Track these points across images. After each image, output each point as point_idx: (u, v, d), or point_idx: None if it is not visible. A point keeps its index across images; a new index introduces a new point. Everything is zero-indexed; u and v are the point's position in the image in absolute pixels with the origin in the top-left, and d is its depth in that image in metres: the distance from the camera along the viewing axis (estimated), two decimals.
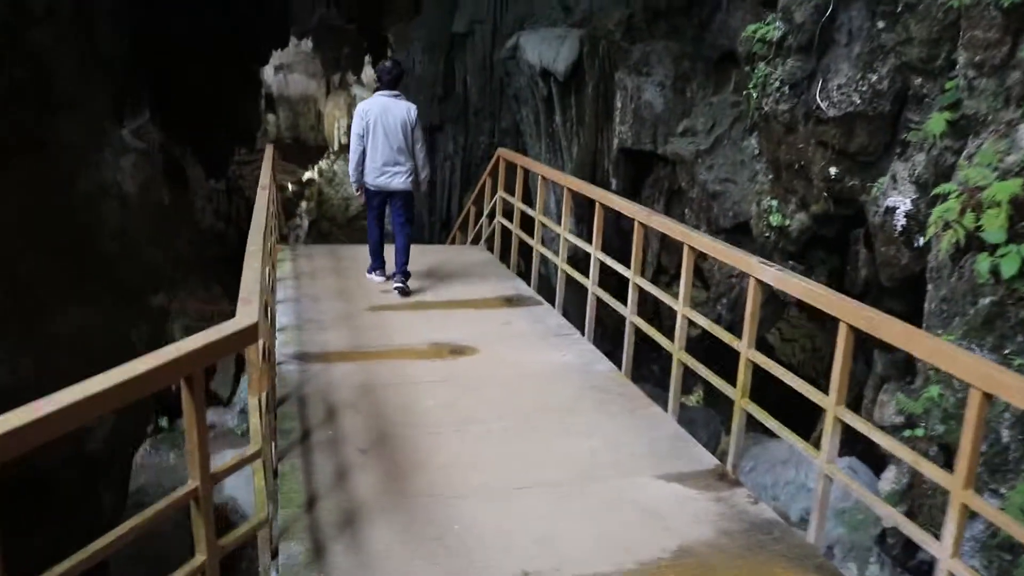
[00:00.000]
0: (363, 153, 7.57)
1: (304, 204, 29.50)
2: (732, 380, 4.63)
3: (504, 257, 9.13)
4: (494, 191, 9.46)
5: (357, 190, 7.96)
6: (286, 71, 31.38)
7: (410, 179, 7.68)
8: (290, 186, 29.86)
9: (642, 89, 12.34)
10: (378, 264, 8.21)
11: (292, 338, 6.43)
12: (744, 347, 4.47)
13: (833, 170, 6.40)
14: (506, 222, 8.95)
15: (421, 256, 8.77)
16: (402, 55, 15.95)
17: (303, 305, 7.24)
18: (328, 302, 7.36)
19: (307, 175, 30.95)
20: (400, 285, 7.78)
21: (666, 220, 5.84)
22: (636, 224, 5.93)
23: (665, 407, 5.41)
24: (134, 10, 16.07)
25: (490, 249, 9.54)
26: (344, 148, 31.36)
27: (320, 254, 9.15)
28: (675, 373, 5.31)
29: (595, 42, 12.80)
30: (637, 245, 5.93)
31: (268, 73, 31.08)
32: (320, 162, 31.25)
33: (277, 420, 4.99)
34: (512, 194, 8.74)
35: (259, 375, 3.78)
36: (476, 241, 10.13)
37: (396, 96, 7.64)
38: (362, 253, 8.58)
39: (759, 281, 4.39)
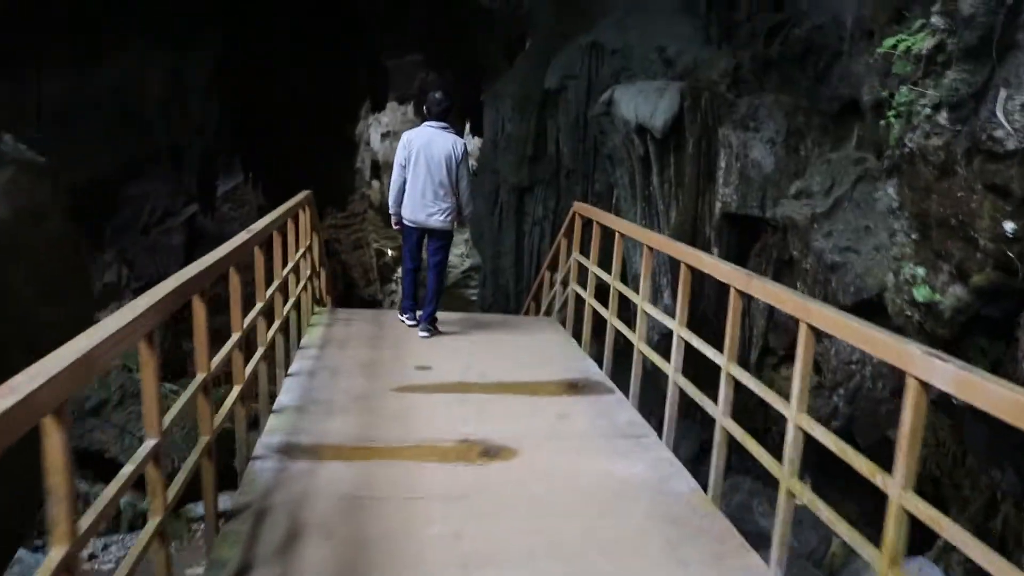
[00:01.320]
0: (403, 184, 7.01)
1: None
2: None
3: (580, 332, 7.46)
4: (569, 253, 7.88)
5: (395, 224, 7.35)
6: (392, 138, 30.93)
7: (450, 217, 7.07)
8: (390, 251, 29.10)
9: (749, 146, 10.65)
10: (410, 305, 7.53)
11: (285, 424, 4.94)
12: (898, 486, 2.72)
13: (1009, 226, 4.55)
14: (580, 290, 7.33)
15: (478, 326, 7.28)
16: (492, 114, 14.73)
17: (316, 380, 5.76)
18: (348, 378, 5.86)
19: None
20: (425, 334, 7.09)
21: (773, 286, 4.11)
22: (732, 292, 4.25)
23: (766, 554, 3.62)
24: (227, 77, 15.44)
25: (564, 322, 7.90)
26: None
27: (362, 319, 7.76)
28: (783, 506, 3.53)
29: (697, 95, 11.22)
30: (733, 321, 4.23)
31: (375, 139, 30.73)
32: None
33: (216, 541, 3.49)
34: (589, 256, 7.15)
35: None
36: (549, 312, 8.52)
37: (444, 128, 7.02)
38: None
39: (923, 383, 2.66)
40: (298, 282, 6.46)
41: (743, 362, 6.59)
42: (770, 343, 9.79)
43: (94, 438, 11.29)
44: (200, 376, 3.65)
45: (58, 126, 14.43)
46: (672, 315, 5.06)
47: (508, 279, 14.52)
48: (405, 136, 7.13)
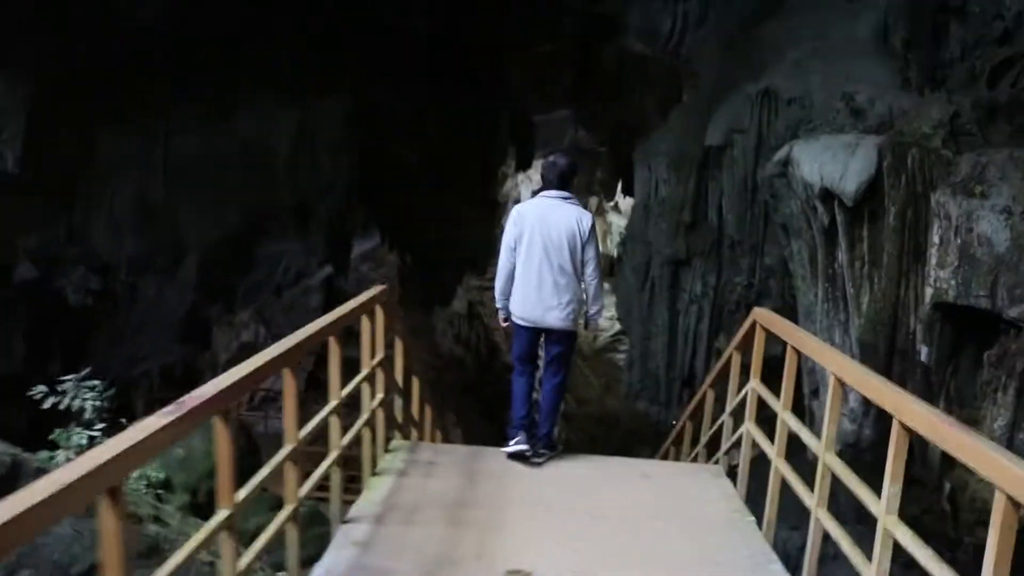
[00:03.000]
0: (512, 271, 5.35)
1: None
2: None
3: (759, 496, 4.54)
4: (744, 375, 5.37)
5: (502, 320, 5.62)
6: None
7: (572, 313, 5.28)
8: None
9: (974, 217, 8.12)
10: (521, 422, 5.44)
11: None
12: None
13: None
14: (760, 436, 4.76)
15: (609, 482, 5.09)
16: (644, 173, 12.60)
17: None
18: None
19: None
20: (540, 460, 5.36)
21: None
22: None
23: None
24: (357, 131, 14.13)
25: (732, 476, 5.36)
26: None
27: (451, 463, 5.40)
28: None
29: (901, 152, 8.76)
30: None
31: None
32: None
33: None
34: (774, 388, 4.62)
35: None
36: (713, 449, 5.94)
37: (564, 199, 5.28)
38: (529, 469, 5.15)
39: None
40: (357, 414, 4.52)
41: None
42: None
43: None
44: None
45: (185, 181, 13.50)
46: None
47: (659, 364, 12.24)
48: (516, 210, 5.42)
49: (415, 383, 5.94)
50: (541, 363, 5.63)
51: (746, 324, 5.22)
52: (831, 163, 9.06)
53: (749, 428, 4.86)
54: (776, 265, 10.95)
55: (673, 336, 12.12)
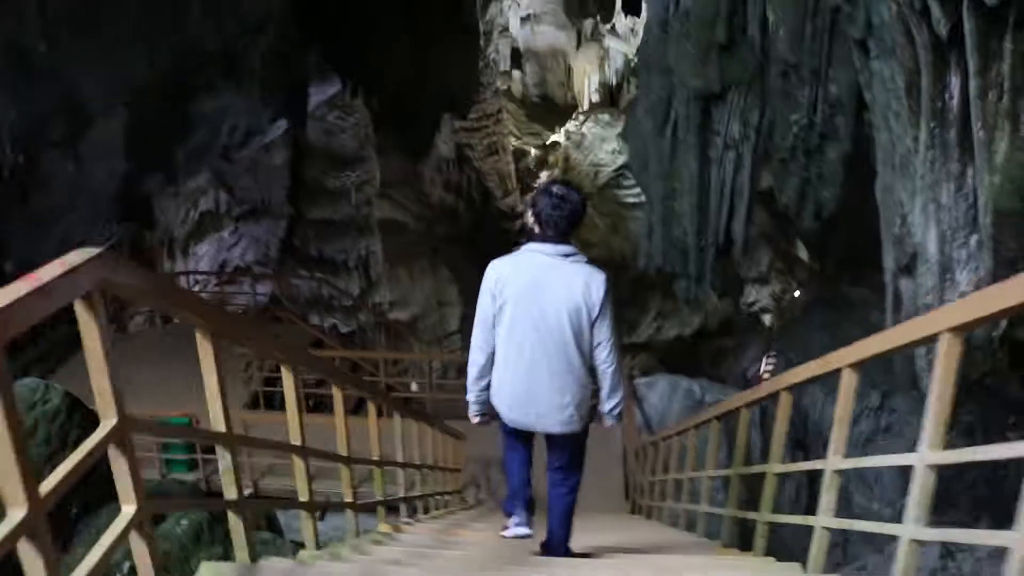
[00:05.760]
0: (490, 354, 3.42)
1: (545, 174, 23.59)
2: None
3: None
4: None
5: (473, 415, 3.60)
6: (533, 21, 25.35)
7: (577, 415, 3.38)
8: (533, 151, 24.17)
9: None
10: (519, 496, 3.70)
11: None
12: None
13: None
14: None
15: None
16: None
17: None
18: None
19: (553, 138, 25.07)
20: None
21: None
22: None
23: None
24: None
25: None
26: (595, 107, 25.00)
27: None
28: None
29: None
30: None
31: (514, 24, 25.29)
32: (568, 124, 25.17)
33: None
34: None
35: None
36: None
37: (566, 257, 3.29)
38: None
39: None
40: None
41: None
42: None
43: None
44: None
45: (73, 27, 10.10)
46: None
47: (687, 230, 9.30)
48: (492, 270, 3.42)
49: None
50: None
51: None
52: None
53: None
54: (847, 97, 7.84)
55: (704, 193, 9.13)
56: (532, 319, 3.32)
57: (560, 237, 3.33)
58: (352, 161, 17.16)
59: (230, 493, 2.44)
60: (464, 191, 21.50)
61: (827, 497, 2.96)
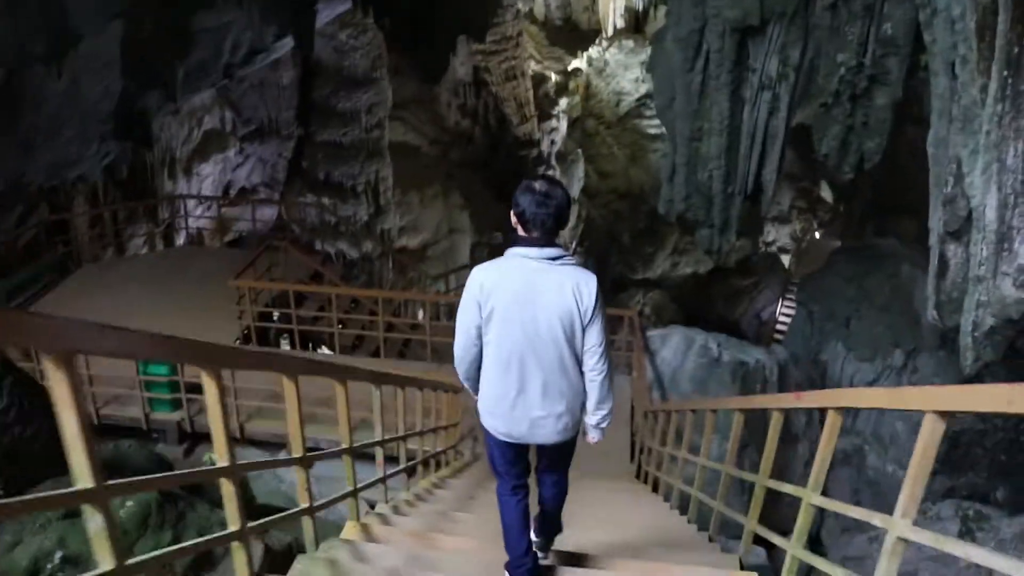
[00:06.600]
0: (477, 358, 3.21)
1: (565, 101, 22.50)
2: None
3: None
4: None
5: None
6: None
7: (570, 424, 3.22)
8: (553, 76, 23.02)
9: None
10: (522, 566, 3.36)
11: None
12: None
13: None
14: None
15: None
16: None
17: None
18: None
19: (574, 63, 23.88)
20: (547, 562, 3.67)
21: None
22: None
23: None
24: None
25: None
26: (620, 33, 23.71)
27: None
28: None
29: None
30: None
31: None
32: (590, 49, 23.95)
33: None
34: None
35: None
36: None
37: (554, 260, 3.03)
38: None
39: None
40: None
41: None
42: None
43: None
44: None
45: None
46: None
47: (713, 176, 8.50)
48: (476, 276, 3.10)
49: None
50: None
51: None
52: None
53: None
54: (903, 37, 6.93)
55: (734, 136, 8.30)
56: (523, 328, 3.06)
57: (547, 238, 3.05)
58: (364, 82, 16.24)
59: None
60: (480, 116, 20.56)
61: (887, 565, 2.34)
